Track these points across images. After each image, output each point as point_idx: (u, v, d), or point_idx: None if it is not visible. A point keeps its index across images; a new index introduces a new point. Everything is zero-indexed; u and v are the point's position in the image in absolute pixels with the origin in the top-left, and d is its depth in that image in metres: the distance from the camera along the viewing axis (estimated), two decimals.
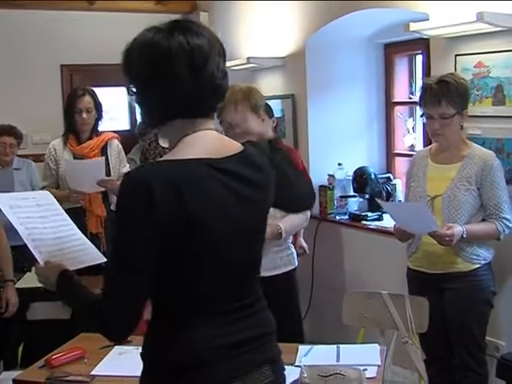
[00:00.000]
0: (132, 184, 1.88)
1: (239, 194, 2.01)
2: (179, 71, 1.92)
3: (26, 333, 4.95)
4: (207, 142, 2.01)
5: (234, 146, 2.09)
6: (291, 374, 2.95)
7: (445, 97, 3.68)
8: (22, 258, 5.06)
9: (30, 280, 4.90)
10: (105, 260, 2.46)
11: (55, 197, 5.32)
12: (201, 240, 1.92)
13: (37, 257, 2.31)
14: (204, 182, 1.92)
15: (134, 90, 2.02)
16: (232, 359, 1.99)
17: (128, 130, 7.69)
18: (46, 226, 2.47)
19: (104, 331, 1.98)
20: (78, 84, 6.92)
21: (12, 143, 6.10)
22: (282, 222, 3.89)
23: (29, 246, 2.35)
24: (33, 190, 6.16)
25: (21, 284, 4.63)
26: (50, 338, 4.03)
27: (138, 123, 7.32)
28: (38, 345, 4.56)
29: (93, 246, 2.53)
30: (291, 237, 4.09)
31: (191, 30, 1.96)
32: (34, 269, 2.39)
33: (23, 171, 6.21)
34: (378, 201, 4.29)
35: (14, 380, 3.25)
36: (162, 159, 2.00)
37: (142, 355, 2.06)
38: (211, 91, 2.00)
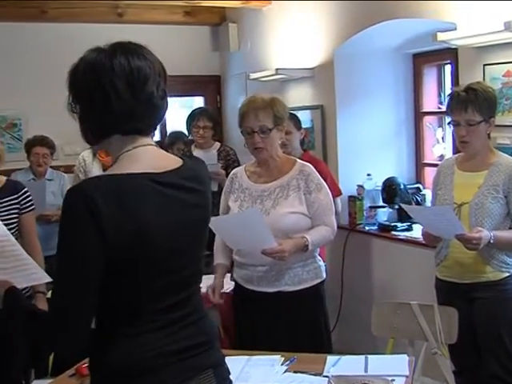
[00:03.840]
0: (75, 197, 1.93)
1: (182, 202, 2.10)
2: (119, 90, 2.02)
3: None
4: (147, 157, 2.10)
5: (173, 161, 2.17)
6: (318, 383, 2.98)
7: (472, 103, 3.68)
8: (52, 268, 5.12)
9: None
10: (49, 279, 2.52)
11: None
12: (144, 250, 1.98)
13: None
14: (146, 193, 2.00)
15: (77, 106, 2.10)
16: (175, 366, 2.05)
17: (158, 141, 7.73)
18: None
19: (52, 344, 2.03)
20: None
21: (45, 153, 6.18)
22: (308, 233, 3.80)
23: None
24: None
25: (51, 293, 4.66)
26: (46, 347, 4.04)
27: (167, 134, 7.39)
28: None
29: (37, 265, 2.60)
30: (318, 249, 4.03)
31: (133, 52, 2.07)
32: None
33: (55, 182, 6.27)
34: (403, 205, 4.27)
35: None
36: (104, 173, 2.07)
37: (89, 365, 2.12)
38: (150, 110, 2.10)
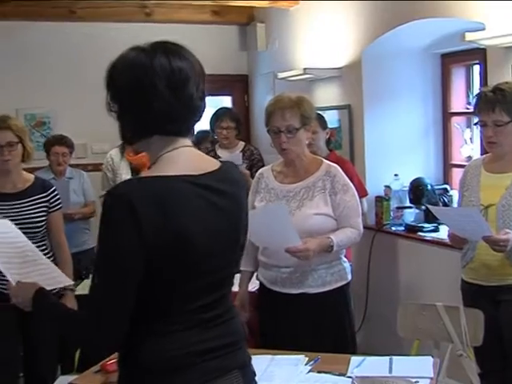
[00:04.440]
0: (116, 200, 1.93)
1: (219, 207, 2.09)
2: (159, 90, 2.01)
3: None
4: (187, 159, 2.09)
5: (211, 164, 2.16)
6: None
7: (499, 104, 3.65)
8: (79, 265, 5.16)
9: (87, 287, 4.97)
10: (71, 283, 2.53)
11: None
12: (182, 252, 1.98)
13: (9, 278, 2.37)
14: (185, 196, 2.00)
15: (116, 105, 2.10)
16: (202, 365, 2.06)
17: None
18: (12, 251, 2.55)
19: (87, 345, 2.05)
20: None
21: (64, 152, 6.21)
22: (334, 234, 3.76)
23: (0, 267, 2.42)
24: (85, 198, 6.28)
25: (79, 291, 4.70)
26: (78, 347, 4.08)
27: (194, 133, 7.39)
28: None
29: (58, 269, 2.62)
30: (344, 251, 4.00)
31: (174, 52, 2.07)
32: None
33: (76, 180, 6.30)
34: (429, 206, 4.25)
35: (69, 383, 3.32)
36: (145, 175, 2.06)
37: (117, 362, 2.13)
38: (189, 111, 2.09)
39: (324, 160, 3.96)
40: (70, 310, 2.11)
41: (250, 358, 2.26)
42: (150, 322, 2.03)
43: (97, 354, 2.12)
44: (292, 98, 3.79)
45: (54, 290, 4.27)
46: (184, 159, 2.07)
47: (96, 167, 6.85)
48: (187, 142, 2.13)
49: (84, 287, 4.92)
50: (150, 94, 2.00)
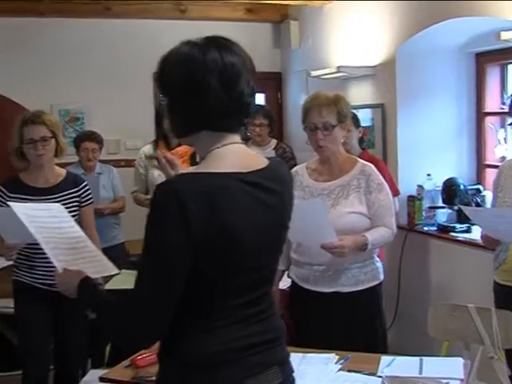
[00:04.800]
0: (165, 195, 1.93)
1: (266, 204, 2.09)
2: (211, 85, 2.00)
3: None
4: (236, 156, 2.09)
5: (259, 161, 2.16)
6: (371, 383, 2.98)
7: None
8: (110, 259, 5.18)
9: (117, 282, 4.99)
10: (116, 271, 2.53)
11: (143, 202, 5.47)
12: (229, 248, 1.98)
13: (55, 264, 2.38)
14: (233, 193, 1.99)
15: (166, 99, 2.10)
16: (244, 361, 2.06)
17: None
18: (61, 236, 2.57)
19: (131, 337, 2.03)
20: None
21: (94, 148, 6.26)
22: (368, 233, 3.77)
23: (47, 254, 2.43)
24: (114, 194, 6.31)
25: (108, 286, 4.72)
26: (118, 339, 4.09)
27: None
28: None
29: (105, 257, 2.61)
30: (377, 250, 4.00)
31: (226, 48, 2.06)
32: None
33: (105, 176, 6.34)
34: (462, 207, 4.22)
35: (100, 378, 3.33)
36: (194, 171, 2.06)
37: (159, 355, 2.13)
38: (240, 107, 2.08)
39: (359, 159, 3.97)
40: (116, 301, 2.09)
41: (289, 355, 2.26)
42: (194, 316, 2.04)
43: (137, 347, 2.11)
44: (329, 96, 3.82)
45: None
46: (233, 156, 2.07)
47: (129, 163, 6.88)
48: (236, 138, 2.12)
49: (114, 282, 4.94)
50: (201, 88, 2.00)
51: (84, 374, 4.75)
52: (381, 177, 3.90)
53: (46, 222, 2.60)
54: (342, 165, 3.90)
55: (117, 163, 7.03)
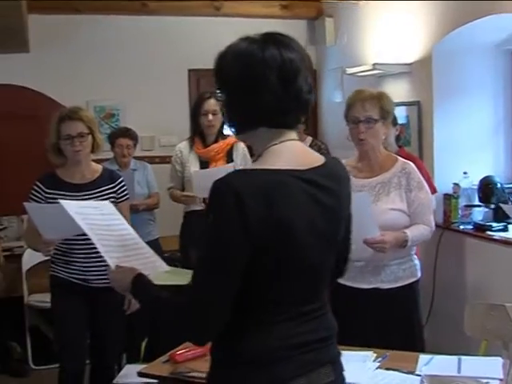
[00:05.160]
0: (224, 190, 1.94)
1: (322, 203, 2.07)
2: (270, 81, 2.00)
3: (150, 329, 5.06)
4: (293, 153, 2.09)
5: (316, 158, 2.15)
6: (410, 382, 2.96)
7: None
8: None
9: (155, 277, 5.00)
10: (167, 268, 2.53)
11: (179, 198, 5.49)
12: (285, 245, 1.98)
13: (108, 261, 2.39)
14: (291, 190, 1.99)
15: (224, 95, 2.11)
16: (298, 358, 2.06)
17: None
18: (112, 233, 2.57)
19: (188, 332, 2.04)
20: (205, 88, 7.05)
21: (129, 144, 6.31)
22: (408, 230, 3.81)
23: (100, 251, 2.44)
24: (149, 190, 6.34)
25: None
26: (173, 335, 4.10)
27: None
28: (161, 341, 4.67)
29: (155, 254, 2.60)
30: (415, 248, 4.01)
31: (284, 44, 2.05)
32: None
33: (140, 172, 6.39)
34: (503, 206, 4.19)
35: (139, 372, 3.36)
36: (251, 167, 2.07)
37: (212, 350, 2.13)
38: (298, 104, 2.07)
39: (399, 157, 3.99)
40: (170, 296, 2.09)
41: (340, 353, 2.26)
42: (249, 312, 2.04)
43: (195, 342, 2.10)
44: (373, 92, 3.90)
45: None
46: (290, 153, 2.07)
47: (163, 160, 6.92)
48: (293, 135, 2.12)
49: (152, 279, 4.95)
50: (260, 85, 2.00)
51: (120, 369, 4.79)
52: (420, 175, 3.94)
53: (97, 219, 2.61)
54: (382, 162, 3.93)
55: (151, 160, 7.06)
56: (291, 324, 2.06)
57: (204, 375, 3.10)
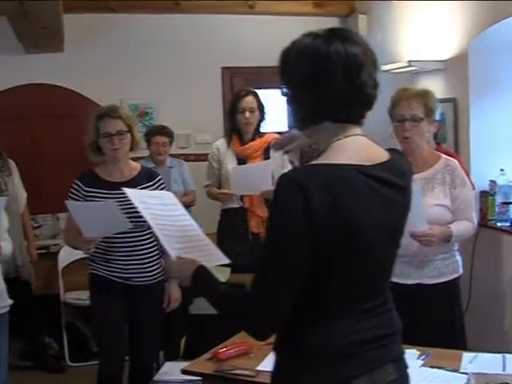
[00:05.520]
0: (289, 186, 1.93)
1: (388, 198, 2.07)
2: (334, 76, 2.00)
3: (188, 326, 5.07)
4: (358, 148, 2.08)
5: (381, 154, 2.14)
6: (455, 380, 2.96)
7: None
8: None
9: None
10: (227, 261, 2.52)
11: (216, 196, 5.50)
12: (351, 241, 1.97)
13: (169, 252, 2.39)
14: (356, 186, 1.98)
15: (288, 90, 2.11)
16: (362, 355, 2.04)
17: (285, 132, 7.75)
18: (173, 224, 2.54)
19: (250, 327, 2.05)
20: (238, 86, 7.07)
21: (164, 142, 6.35)
22: (453, 225, 3.83)
23: (161, 241, 2.44)
24: (185, 187, 6.36)
25: None
26: (212, 333, 4.12)
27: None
28: (200, 338, 4.69)
29: (215, 247, 2.58)
30: (457, 244, 4.01)
31: (348, 39, 2.05)
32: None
33: (176, 170, 6.41)
34: None
35: (183, 370, 3.38)
36: (316, 163, 2.05)
37: (276, 347, 2.13)
38: (363, 99, 2.06)
39: (442, 154, 3.99)
40: (232, 290, 2.12)
41: (404, 352, 2.26)
42: (311, 309, 2.03)
43: (256, 338, 2.10)
44: (418, 90, 3.95)
45: (158, 276, 4.38)
46: (355, 148, 2.06)
47: (198, 157, 6.95)
48: (358, 130, 2.11)
49: None
50: (324, 79, 2.00)
51: (158, 367, 4.80)
52: (463, 172, 3.93)
53: (159, 209, 2.59)
54: (426, 159, 3.95)
55: (186, 157, 7.10)
56: (353, 321, 2.05)
57: (248, 372, 3.14)
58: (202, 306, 4.81)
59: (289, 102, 2.13)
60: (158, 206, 2.60)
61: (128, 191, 2.89)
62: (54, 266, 6.42)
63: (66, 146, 7.06)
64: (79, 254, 5.99)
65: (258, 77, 7.33)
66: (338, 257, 1.98)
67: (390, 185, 2.07)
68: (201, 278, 2.23)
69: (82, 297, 6.20)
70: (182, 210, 2.65)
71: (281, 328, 2.04)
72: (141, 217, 4.18)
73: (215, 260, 2.50)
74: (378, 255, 2.08)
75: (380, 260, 2.10)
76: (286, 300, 1.97)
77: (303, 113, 2.11)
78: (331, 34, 2.06)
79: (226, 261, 2.52)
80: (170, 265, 2.38)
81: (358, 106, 2.08)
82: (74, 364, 6.27)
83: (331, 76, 2.00)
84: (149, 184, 4.40)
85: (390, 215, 2.08)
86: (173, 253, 2.38)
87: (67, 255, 6.37)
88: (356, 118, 2.10)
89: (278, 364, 2.13)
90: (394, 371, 2.13)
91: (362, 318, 2.07)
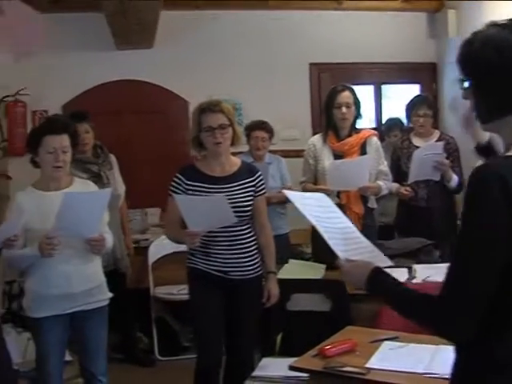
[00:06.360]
0: (487, 176, 1.87)
1: None
2: None
3: (285, 322, 5.04)
4: None
5: None
6: None
7: None
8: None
9: (290, 271, 5.02)
10: (391, 263, 2.45)
11: (313, 191, 5.48)
12: None
13: (338, 254, 2.33)
14: None
15: (472, 82, 2.03)
16: None
17: (375, 128, 7.67)
18: (334, 226, 2.49)
19: (445, 331, 1.97)
20: (326, 82, 7.06)
21: (264, 137, 6.33)
22: None
23: (329, 243, 2.36)
24: (282, 183, 6.34)
25: (282, 275, 4.75)
26: (309, 329, 4.09)
27: (385, 121, 7.39)
28: (296, 335, 4.66)
29: (377, 248, 2.51)
30: None
31: None
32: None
33: (274, 165, 6.39)
34: None
35: (290, 366, 3.33)
36: (506, 155, 1.98)
37: (463, 353, 2.02)
38: None
39: None
40: (419, 292, 2.05)
41: None
42: (502, 312, 1.93)
43: (451, 340, 2.01)
44: None
45: (258, 271, 4.38)
46: None
47: (285, 153, 6.91)
48: None
49: (287, 272, 4.97)
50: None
51: (253, 362, 4.79)
52: None
53: (319, 211, 2.54)
54: None
55: (272, 154, 7.07)
56: None
57: (357, 370, 3.08)
58: (299, 303, 4.79)
59: (472, 95, 2.05)
60: (315, 208, 2.55)
61: (287, 193, 2.81)
62: (143, 261, 6.47)
63: (154, 142, 7.13)
64: (169, 249, 6.08)
65: (346, 73, 7.31)
66: None
67: None
68: (380, 281, 2.17)
69: (171, 291, 6.25)
70: (339, 213, 2.60)
71: (471, 333, 1.92)
72: (244, 211, 4.27)
73: (379, 262, 2.40)
74: None
75: None
76: (479, 303, 1.88)
77: (488, 106, 2.04)
78: None
79: (390, 263, 2.44)
80: (342, 267, 2.30)
81: None
82: (163, 358, 6.31)
83: None
84: (249, 179, 4.39)
85: None
86: (341, 255, 2.33)
87: (157, 250, 6.44)
88: None
89: (464, 366, 2.02)
90: None
91: None
